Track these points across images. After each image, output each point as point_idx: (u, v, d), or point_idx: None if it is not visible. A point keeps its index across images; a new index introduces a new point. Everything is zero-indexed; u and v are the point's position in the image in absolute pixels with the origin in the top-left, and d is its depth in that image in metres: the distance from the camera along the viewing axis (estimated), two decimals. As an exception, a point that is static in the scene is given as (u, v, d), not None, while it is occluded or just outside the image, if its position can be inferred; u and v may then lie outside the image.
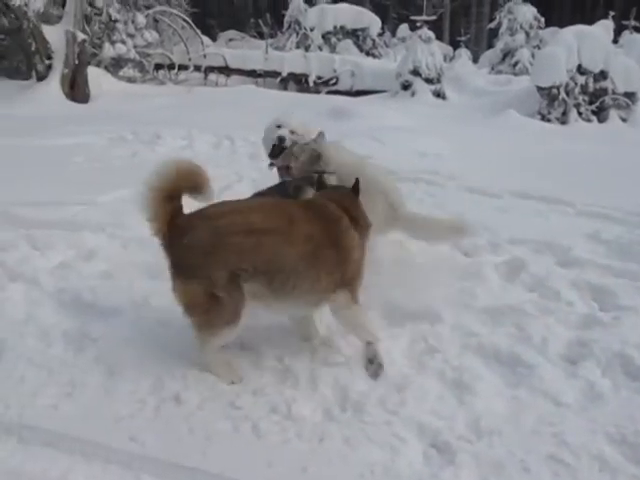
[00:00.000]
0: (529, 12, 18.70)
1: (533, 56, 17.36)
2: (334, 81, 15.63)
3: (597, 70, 10.92)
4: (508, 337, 2.70)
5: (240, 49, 18.66)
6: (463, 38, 21.77)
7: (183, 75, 16.00)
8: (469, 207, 4.64)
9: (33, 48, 11.50)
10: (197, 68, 16.00)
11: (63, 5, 12.50)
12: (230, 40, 23.87)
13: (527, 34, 18.67)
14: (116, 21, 14.26)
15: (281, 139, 3.60)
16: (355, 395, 2.29)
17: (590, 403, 2.27)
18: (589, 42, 10.80)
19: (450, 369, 2.47)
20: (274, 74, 16.12)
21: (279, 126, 3.68)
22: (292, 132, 3.64)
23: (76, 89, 11.60)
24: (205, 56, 16.13)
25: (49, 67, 11.54)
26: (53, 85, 11.32)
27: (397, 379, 2.40)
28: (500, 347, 2.60)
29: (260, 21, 22.04)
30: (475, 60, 21.56)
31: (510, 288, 3.26)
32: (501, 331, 2.76)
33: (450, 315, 2.91)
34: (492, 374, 2.45)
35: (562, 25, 13.87)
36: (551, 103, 10.85)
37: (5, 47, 13.25)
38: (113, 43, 14.17)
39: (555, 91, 10.75)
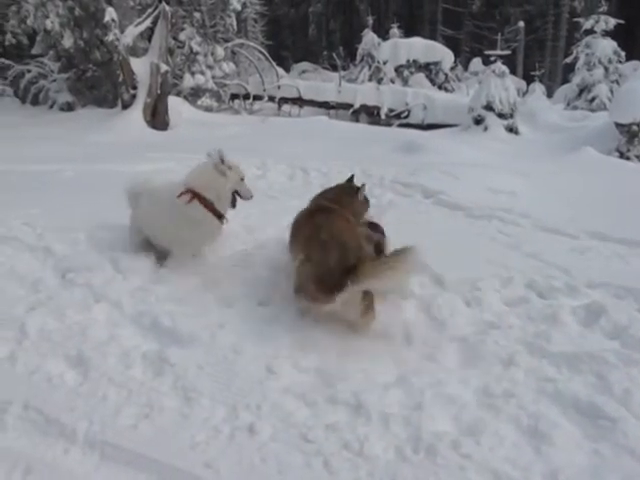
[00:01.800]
0: (609, 46, 18.20)
1: (612, 91, 16.89)
2: (406, 114, 15.71)
3: (682, 106, 10.49)
4: (587, 386, 2.60)
5: (313, 81, 19.09)
6: (537, 72, 21.40)
7: (257, 105, 16.51)
8: (544, 247, 4.54)
9: (120, 79, 12.20)
10: (271, 98, 16.48)
11: (149, 39, 13.24)
12: (303, 72, 24.47)
13: (606, 69, 18.17)
14: (197, 53, 14.96)
15: None
16: (428, 436, 2.26)
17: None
18: (673, 77, 10.43)
19: (526, 415, 2.40)
20: (346, 106, 16.37)
21: None
22: None
23: (157, 117, 12.17)
24: (279, 87, 16.59)
25: (134, 96, 12.17)
26: (136, 113, 11.92)
27: (471, 422, 2.36)
28: (579, 396, 2.50)
29: (334, 54, 22.48)
30: (549, 95, 21.18)
31: (589, 334, 3.13)
32: (579, 379, 2.66)
33: (525, 359, 2.84)
34: (570, 424, 2.36)
35: (644, 60, 13.47)
36: (631, 140, 10.49)
37: (96, 77, 14.15)
38: (193, 74, 14.86)
39: (635, 128, 10.39)
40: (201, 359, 2.74)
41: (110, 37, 11.89)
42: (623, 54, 18.40)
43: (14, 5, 16.21)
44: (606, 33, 18.30)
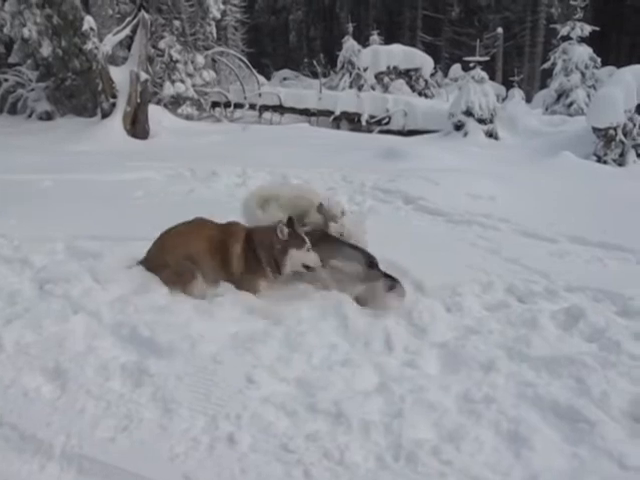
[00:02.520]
0: (585, 52, 18.52)
1: (589, 96, 17.16)
2: (386, 120, 15.80)
3: (658, 110, 10.69)
4: (566, 389, 2.62)
5: (294, 88, 19.15)
6: (516, 78, 21.66)
7: (239, 113, 16.50)
8: (524, 252, 4.59)
9: (100, 87, 12.10)
10: (252, 106, 16.48)
11: (129, 47, 13.18)
12: (284, 79, 24.55)
13: (583, 74, 18.46)
14: (177, 61, 14.93)
15: None
16: (408, 443, 2.26)
17: (657, 466, 2.17)
18: (649, 82, 10.62)
19: (506, 420, 2.40)
20: (327, 113, 16.42)
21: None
22: None
23: (137, 126, 12.09)
24: (260, 95, 16.60)
25: (113, 105, 12.08)
26: (116, 122, 11.84)
27: (452, 428, 2.36)
28: (558, 400, 2.51)
29: (314, 61, 22.57)
30: (528, 100, 21.45)
31: (567, 338, 3.17)
32: (558, 383, 2.68)
33: (505, 363, 2.86)
34: (550, 428, 2.37)
35: (619, 65, 13.69)
36: (608, 144, 10.65)
37: (75, 87, 14.04)
38: (173, 82, 14.83)
39: (612, 132, 10.55)
40: (181, 369, 2.71)
41: (89, 46, 11.79)
42: (599, 60, 18.75)
43: (-11, 14, 16.05)
44: (582, 39, 18.64)
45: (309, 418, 2.39)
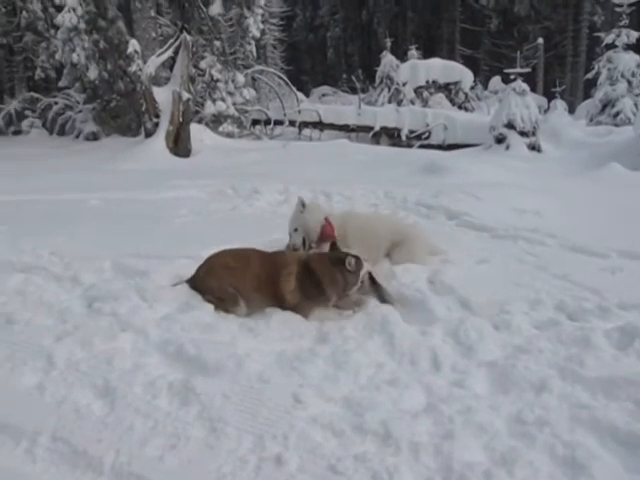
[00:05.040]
0: (632, 60, 18.02)
1: (636, 105, 16.70)
2: (426, 135, 15.73)
3: None
4: (625, 413, 2.50)
5: (333, 104, 19.26)
6: (558, 89, 21.29)
7: (278, 130, 16.68)
8: (573, 267, 4.45)
9: (143, 108, 12.45)
10: (292, 123, 16.63)
11: (171, 68, 13.52)
12: (323, 95, 24.72)
13: (629, 82, 17.99)
14: (217, 81, 15.22)
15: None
16: (459, 466, 2.20)
17: None
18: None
19: (561, 445, 2.30)
20: (367, 128, 16.45)
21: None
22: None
23: (179, 144, 12.38)
24: (299, 111, 16.75)
25: (156, 124, 12.41)
26: (159, 141, 12.14)
27: (503, 451, 2.28)
28: (617, 424, 2.40)
29: (353, 77, 22.69)
30: (571, 111, 21.07)
31: (623, 358, 3.02)
32: (616, 405, 2.56)
33: (557, 384, 2.76)
34: (609, 454, 2.26)
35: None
36: (658, 154, 10.32)
37: (119, 107, 14.50)
38: (214, 101, 15.11)
39: (662, 142, 10.24)
40: (227, 388, 2.71)
41: (133, 68, 12.17)
42: (647, 67, 18.22)
43: (43, 41, 16.76)
44: (628, 47, 18.16)
45: (357, 439, 2.36)
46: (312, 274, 3.56)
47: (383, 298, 3.69)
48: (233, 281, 3.60)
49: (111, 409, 2.60)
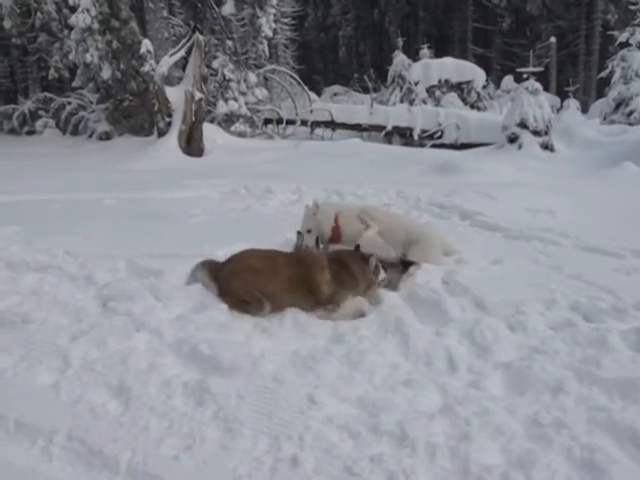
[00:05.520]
0: (646, 58, 17.87)
1: (650, 104, 16.53)
2: (439, 134, 15.65)
3: None
4: (644, 416, 2.48)
5: (345, 103, 19.23)
6: (571, 88, 21.11)
7: (291, 129, 16.68)
8: (587, 267, 4.41)
9: (156, 107, 12.49)
10: (304, 123, 16.62)
11: (184, 68, 13.57)
12: (335, 95, 24.70)
13: (644, 81, 17.81)
14: (230, 80, 15.26)
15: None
16: (476, 468, 2.18)
17: None
18: None
19: (579, 447, 2.28)
20: (379, 128, 16.40)
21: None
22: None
23: (192, 144, 12.41)
24: (311, 111, 16.74)
25: (169, 124, 12.45)
26: (172, 141, 12.18)
27: (521, 453, 2.26)
28: (636, 427, 2.37)
29: (365, 76, 22.65)
30: (584, 110, 20.87)
31: (641, 359, 3.01)
32: (635, 408, 2.53)
33: (574, 386, 2.73)
34: (628, 458, 2.24)
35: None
36: (673, 154, 10.20)
37: (132, 107, 14.58)
38: (226, 100, 15.15)
39: (677, 141, 10.11)
40: (242, 388, 2.71)
41: (146, 67, 12.23)
42: (661, 66, 18.02)
43: (57, 42, 16.90)
44: (642, 45, 17.97)
45: (373, 440, 2.35)
46: (346, 267, 3.80)
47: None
48: (260, 284, 3.62)
49: (126, 409, 2.61)
